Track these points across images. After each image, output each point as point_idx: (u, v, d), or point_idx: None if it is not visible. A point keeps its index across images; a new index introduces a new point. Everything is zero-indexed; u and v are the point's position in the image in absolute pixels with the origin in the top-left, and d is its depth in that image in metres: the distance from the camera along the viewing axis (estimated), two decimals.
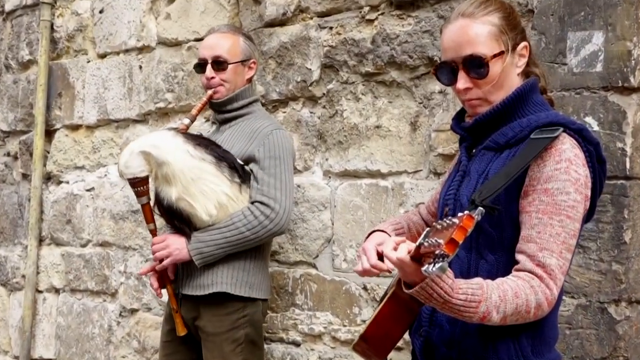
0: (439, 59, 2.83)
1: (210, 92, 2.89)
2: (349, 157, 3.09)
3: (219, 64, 2.87)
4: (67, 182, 4.32)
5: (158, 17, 3.88)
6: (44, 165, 4.43)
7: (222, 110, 2.94)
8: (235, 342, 2.75)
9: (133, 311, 3.89)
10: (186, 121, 2.81)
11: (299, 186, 3.22)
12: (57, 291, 4.32)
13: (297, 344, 3.20)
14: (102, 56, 4.18)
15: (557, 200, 1.64)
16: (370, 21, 3.05)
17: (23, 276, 4.48)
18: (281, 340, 3.24)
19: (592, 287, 2.40)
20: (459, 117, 1.94)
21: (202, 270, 2.75)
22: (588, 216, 1.78)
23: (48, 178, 4.45)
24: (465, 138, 1.90)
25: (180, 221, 2.69)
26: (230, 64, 2.88)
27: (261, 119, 2.90)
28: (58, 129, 4.40)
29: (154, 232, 2.83)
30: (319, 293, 3.15)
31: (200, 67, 2.92)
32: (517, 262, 1.67)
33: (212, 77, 2.88)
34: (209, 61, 2.88)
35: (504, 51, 1.77)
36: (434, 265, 1.39)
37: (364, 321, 2.98)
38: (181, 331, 2.80)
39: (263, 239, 2.74)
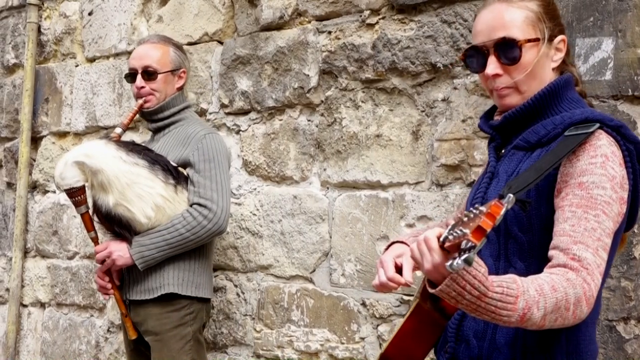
0: (442, 65, 2.84)
1: (140, 101, 3.07)
2: (347, 167, 3.10)
3: (149, 74, 3.06)
4: (54, 192, 4.32)
5: (150, 19, 3.89)
6: (30, 173, 4.43)
7: (154, 119, 3.11)
8: (183, 339, 2.91)
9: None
10: (118, 130, 3.00)
11: (295, 197, 3.23)
12: (42, 305, 4.32)
13: None
14: (91, 60, 4.19)
15: (592, 194, 1.56)
16: (371, 25, 3.06)
17: (7, 289, 4.47)
18: (276, 358, 3.24)
19: (601, 305, 2.40)
20: (488, 115, 1.89)
21: (148, 275, 2.91)
22: (628, 223, 1.69)
23: (34, 187, 4.45)
24: (494, 137, 1.84)
25: (120, 227, 2.84)
26: (160, 73, 3.07)
27: (194, 124, 3.07)
28: (45, 136, 4.40)
29: (95, 240, 2.98)
30: (315, 309, 3.15)
31: (131, 77, 3.10)
32: (549, 260, 1.57)
33: (142, 87, 3.06)
34: (139, 71, 3.06)
35: (540, 39, 1.72)
36: (459, 259, 1.31)
37: (362, 338, 2.98)
38: (132, 335, 2.96)
39: (203, 239, 2.89)
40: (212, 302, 3.20)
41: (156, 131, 3.14)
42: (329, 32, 3.18)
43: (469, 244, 1.31)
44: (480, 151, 2.73)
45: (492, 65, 1.73)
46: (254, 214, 3.37)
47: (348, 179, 3.10)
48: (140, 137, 3.81)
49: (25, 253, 4.42)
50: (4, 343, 4.41)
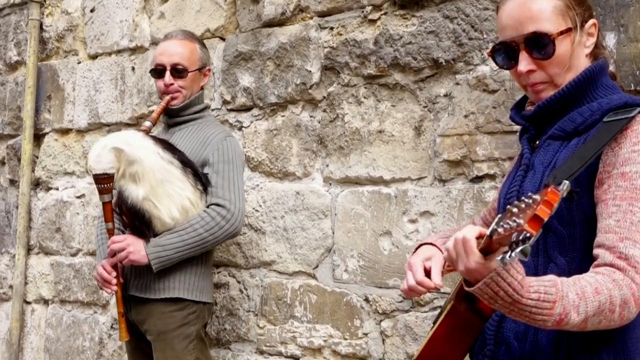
0: (444, 60, 2.85)
1: (168, 97, 3.04)
2: (350, 163, 3.11)
3: (179, 72, 3.04)
4: (57, 189, 4.34)
5: (151, 16, 3.90)
6: (33, 170, 4.45)
7: (176, 116, 3.10)
8: (187, 338, 2.89)
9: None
10: (148, 124, 2.97)
11: (298, 193, 3.24)
12: (46, 302, 4.34)
13: (296, 358, 3.20)
14: (93, 57, 4.20)
15: (636, 184, 1.50)
16: (373, 21, 3.06)
17: (10, 287, 4.49)
18: (279, 354, 3.25)
19: None
20: (519, 106, 1.81)
21: (153, 273, 2.85)
22: None
23: (37, 184, 4.46)
24: (527, 129, 1.76)
25: (141, 222, 2.79)
26: (190, 71, 3.05)
27: (212, 126, 3.08)
28: (47, 133, 4.42)
29: (111, 231, 2.90)
30: (318, 305, 3.16)
31: (157, 72, 3.07)
32: (594, 259, 1.50)
33: (171, 84, 3.04)
34: (168, 68, 3.04)
35: (572, 28, 1.65)
36: (513, 252, 1.23)
37: (365, 334, 2.99)
38: (124, 337, 2.92)
39: (220, 240, 2.89)
40: (214, 299, 3.21)
41: (171, 125, 3.12)
42: (331, 28, 3.19)
43: (523, 234, 1.23)
44: (483, 147, 2.74)
45: (525, 62, 1.67)
46: (257, 210, 3.38)
47: (350, 175, 3.10)
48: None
49: (29, 250, 4.44)
50: (8, 340, 4.43)
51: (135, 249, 2.80)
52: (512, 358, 1.62)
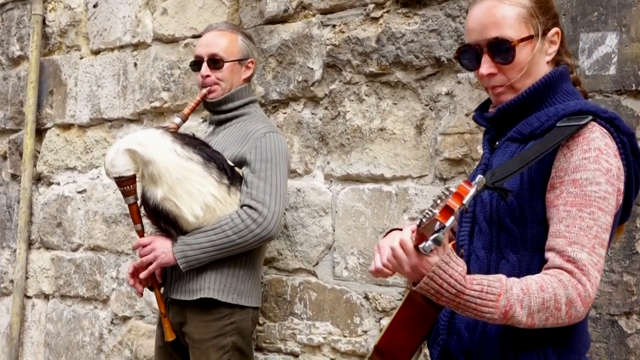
0: (446, 59, 2.86)
1: (204, 90, 2.92)
2: (351, 161, 3.11)
3: (215, 62, 2.91)
4: (58, 184, 4.35)
5: (154, 12, 3.91)
6: (34, 165, 4.46)
7: (217, 111, 2.97)
8: (222, 349, 2.78)
9: (125, 319, 3.91)
10: (177, 120, 2.86)
11: (299, 190, 3.25)
12: (46, 297, 4.35)
13: (295, 355, 3.21)
14: (96, 52, 4.21)
15: (586, 191, 1.57)
16: (375, 19, 3.07)
17: (11, 281, 4.50)
18: (279, 351, 3.26)
19: (603, 299, 2.42)
20: (483, 108, 1.89)
21: (190, 275, 2.78)
22: (623, 215, 1.71)
23: (38, 179, 4.47)
24: (488, 130, 1.85)
25: (167, 222, 2.71)
26: (226, 62, 2.92)
27: (256, 121, 2.92)
28: (49, 128, 4.43)
29: (141, 233, 2.84)
30: (318, 302, 3.17)
31: (197, 65, 2.96)
32: (545, 261, 1.59)
33: (208, 76, 2.91)
34: (205, 59, 2.92)
35: (533, 36, 1.72)
36: (429, 240, 1.36)
37: (365, 332, 3.00)
38: (169, 336, 2.83)
39: (251, 244, 2.75)
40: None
41: (218, 124, 2.99)
42: (334, 26, 3.19)
43: (438, 224, 1.35)
44: None
45: (486, 65, 1.74)
46: None
47: (351, 173, 3.11)
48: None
49: (30, 245, 4.45)
50: (8, 334, 4.45)
51: (163, 250, 2.73)
52: (462, 347, 1.71)
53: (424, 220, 1.42)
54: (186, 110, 2.91)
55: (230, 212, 2.73)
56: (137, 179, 2.75)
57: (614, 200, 1.60)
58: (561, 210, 1.59)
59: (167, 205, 2.66)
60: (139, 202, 2.79)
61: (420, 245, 1.39)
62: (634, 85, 2.41)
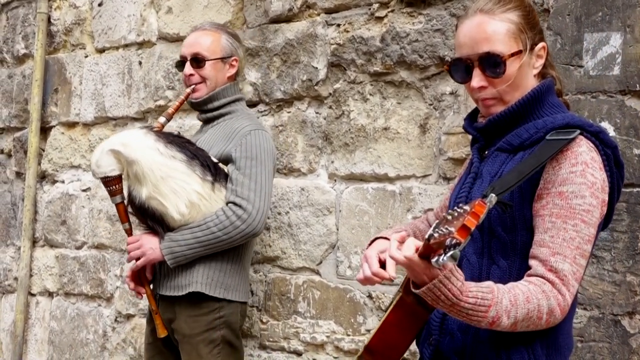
0: (450, 58, 2.86)
1: (188, 89, 2.99)
2: (355, 160, 3.12)
3: (198, 61, 2.98)
4: (63, 182, 4.36)
5: (159, 11, 3.92)
6: (39, 163, 4.47)
7: (203, 110, 3.04)
8: (211, 343, 2.84)
9: (129, 317, 3.93)
10: (162, 119, 2.92)
11: (303, 189, 3.25)
12: (50, 295, 4.36)
13: (298, 354, 3.22)
14: (101, 51, 4.22)
15: (571, 203, 1.66)
16: (380, 19, 3.07)
17: (15, 279, 4.52)
18: (282, 349, 3.27)
19: (606, 299, 2.42)
20: (472, 117, 1.97)
21: (178, 271, 2.84)
22: (605, 222, 1.80)
23: (43, 177, 4.49)
24: (478, 139, 1.92)
25: (153, 220, 2.78)
26: (208, 60, 2.98)
27: (242, 119, 2.97)
28: (54, 126, 4.44)
29: (129, 232, 2.92)
30: (322, 301, 3.17)
31: (181, 65, 3.04)
32: (529, 268, 1.68)
33: (191, 74, 2.99)
34: (188, 58, 3.00)
35: (522, 50, 1.79)
36: (444, 255, 1.41)
37: (368, 331, 3.01)
38: (161, 333, 2.89)
39: (236, 240, 2.80)
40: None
41: (206, 122, 3.06)
42: (338, 25, 3.20)
43: (454, 241, 1.40)
44: None
45: (477, 78, 1.81)
46: None
47: (355, 172, 3.12)
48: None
49: (34, 242, 4.46)
50: (12, 332, 4.46)
51: (150, 247, 2.80)
52: (455, 348, 1.79)
53: (435, 235, 1.48)
54: (170, 110, 2.98)
55: (216, 209, 2.78)
56: (123, 179, 2.80)
57: (597, 212, 1.69)
58: (546, 221, 1.68)
59: (152, 203, 2.73)
60: (125, 201, 2.85)
61: (434, 260, 1.45)
62: (638, 85, 2.42)
